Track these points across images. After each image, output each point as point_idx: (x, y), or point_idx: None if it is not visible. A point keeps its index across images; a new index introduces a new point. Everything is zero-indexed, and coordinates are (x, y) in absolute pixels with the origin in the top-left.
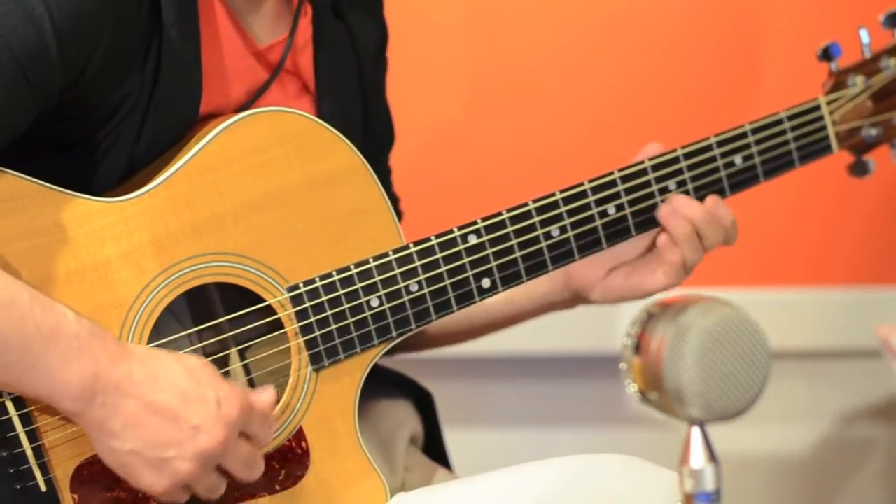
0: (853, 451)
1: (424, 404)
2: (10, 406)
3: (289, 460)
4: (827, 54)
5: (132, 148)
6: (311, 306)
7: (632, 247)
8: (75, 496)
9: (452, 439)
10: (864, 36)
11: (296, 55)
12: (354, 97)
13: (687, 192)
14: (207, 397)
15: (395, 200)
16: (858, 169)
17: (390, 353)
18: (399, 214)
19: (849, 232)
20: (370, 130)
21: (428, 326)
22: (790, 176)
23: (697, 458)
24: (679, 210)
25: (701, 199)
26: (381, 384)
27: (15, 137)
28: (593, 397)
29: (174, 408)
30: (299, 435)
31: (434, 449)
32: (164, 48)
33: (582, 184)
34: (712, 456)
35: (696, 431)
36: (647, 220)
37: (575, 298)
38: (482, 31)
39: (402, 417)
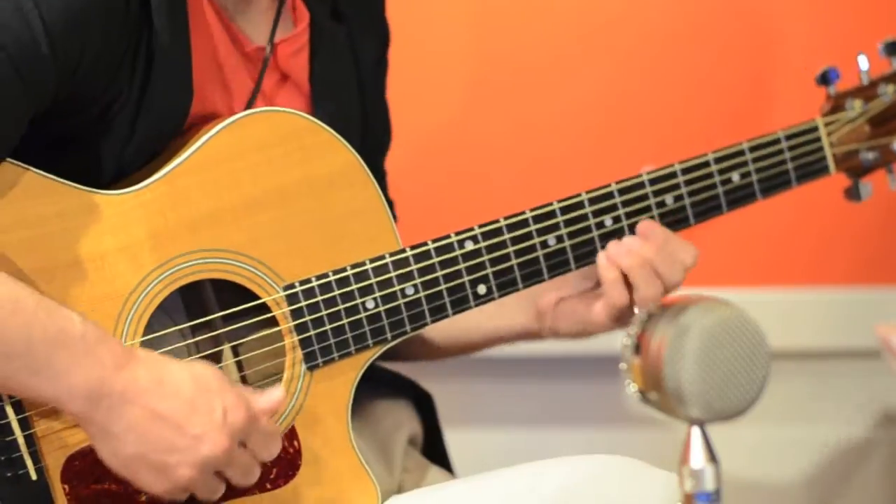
0: (853, 452)
1: (424, 405)
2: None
3: (280, 459)
4: (825, 79)
5: (123, 148)
6: (307, 305)
7: (586, 279)
8: (66, 486)
9: (452, 439)
10: (863, 63)
11: (292, 59)
12: (352, 102)
13: (683, 207)
14: (213, 407)
15: (389, 204)
16: (854, 193)
17: (384, 357)
18: (394, 218)
19: (849, 232)
20: (368, 135)
21: (417, 338)
22: None
23: (697, 458)
24: (613, 258)
25: (697, 214)
26: (380, 385)
27: (16, 144)
28: (593, 397)
29: (178, 416)
30: (291, 434)
31: (434, 450)
32: (154, 47)
33: (579, 195)
34: (712, 456)
35: (696, 431)
36: None
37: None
38: (480, 32)
39: (400, 418)
